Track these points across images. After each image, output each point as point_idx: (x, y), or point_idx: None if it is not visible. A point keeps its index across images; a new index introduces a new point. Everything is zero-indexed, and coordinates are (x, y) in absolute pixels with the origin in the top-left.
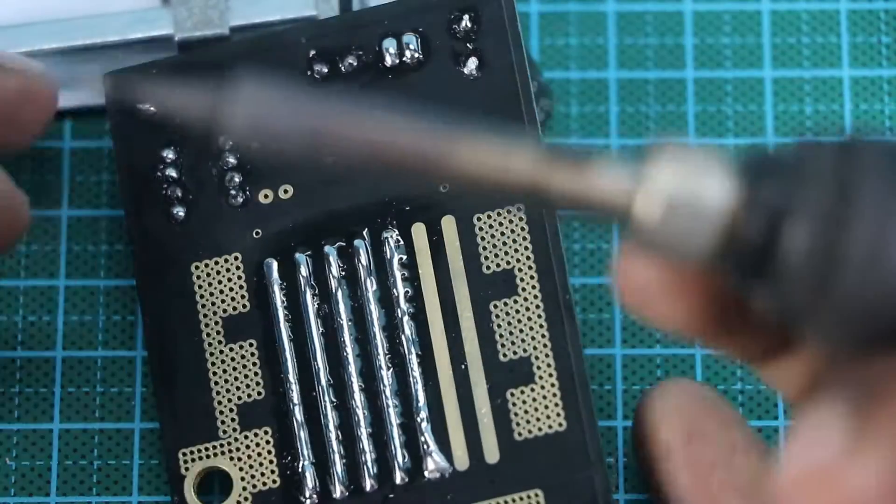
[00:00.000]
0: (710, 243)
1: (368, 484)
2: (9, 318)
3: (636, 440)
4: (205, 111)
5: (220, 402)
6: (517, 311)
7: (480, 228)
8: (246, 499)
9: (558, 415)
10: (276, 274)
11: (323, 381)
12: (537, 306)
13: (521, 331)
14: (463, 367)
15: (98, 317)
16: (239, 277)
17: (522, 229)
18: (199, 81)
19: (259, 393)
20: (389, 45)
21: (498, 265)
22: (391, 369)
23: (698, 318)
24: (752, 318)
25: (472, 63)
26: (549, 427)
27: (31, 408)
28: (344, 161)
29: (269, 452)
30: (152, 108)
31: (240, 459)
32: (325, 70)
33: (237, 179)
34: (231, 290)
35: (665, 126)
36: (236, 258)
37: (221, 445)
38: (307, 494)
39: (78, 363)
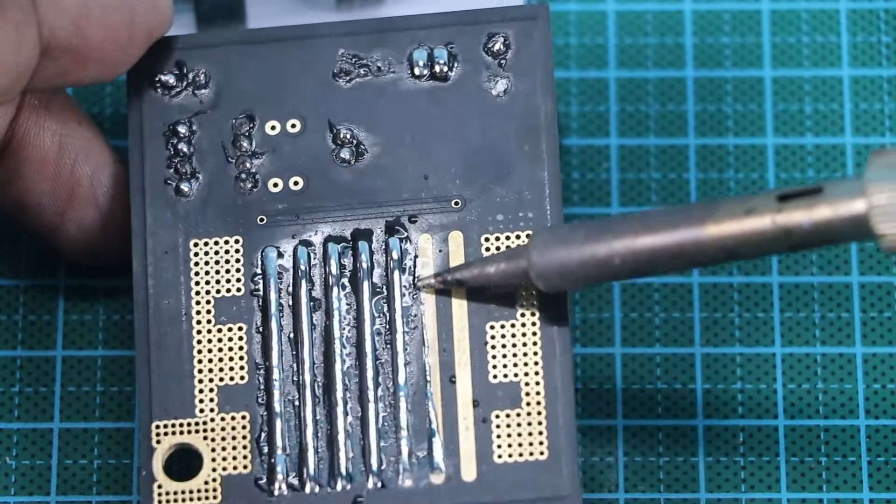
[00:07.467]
0: None
1: (340, 484)
2: (9, 317)
3: None
4: None
5: (200, 381)
6: (513, 335)
7: (487, 249)
8: (214, 479)
9: (541, 443)
10: (274, 263)
11: (307, 376)
12: (534, 333)
13: (515, 355)
14: (452, 381)
15: (98, 317)
16: (237, 261)
17: None
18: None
19: (242, 378)
20: (420, 56)
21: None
22: (378, 373)
23: None
24: None
25: (500, 85)
26: (531, 454)
27: (31, 407)
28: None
29: (245, 438)
30: (172, 79)
31: (213, 440)
32: (352, 68)
33: (248, 164)
34: (228, 272)
35: (665, 125)
36: (237, 241)
37: (196, 424)
38: (277, 485)
39: (78, 363)
